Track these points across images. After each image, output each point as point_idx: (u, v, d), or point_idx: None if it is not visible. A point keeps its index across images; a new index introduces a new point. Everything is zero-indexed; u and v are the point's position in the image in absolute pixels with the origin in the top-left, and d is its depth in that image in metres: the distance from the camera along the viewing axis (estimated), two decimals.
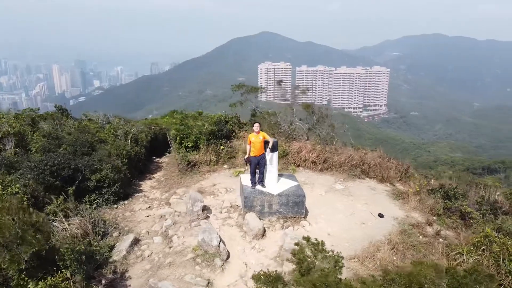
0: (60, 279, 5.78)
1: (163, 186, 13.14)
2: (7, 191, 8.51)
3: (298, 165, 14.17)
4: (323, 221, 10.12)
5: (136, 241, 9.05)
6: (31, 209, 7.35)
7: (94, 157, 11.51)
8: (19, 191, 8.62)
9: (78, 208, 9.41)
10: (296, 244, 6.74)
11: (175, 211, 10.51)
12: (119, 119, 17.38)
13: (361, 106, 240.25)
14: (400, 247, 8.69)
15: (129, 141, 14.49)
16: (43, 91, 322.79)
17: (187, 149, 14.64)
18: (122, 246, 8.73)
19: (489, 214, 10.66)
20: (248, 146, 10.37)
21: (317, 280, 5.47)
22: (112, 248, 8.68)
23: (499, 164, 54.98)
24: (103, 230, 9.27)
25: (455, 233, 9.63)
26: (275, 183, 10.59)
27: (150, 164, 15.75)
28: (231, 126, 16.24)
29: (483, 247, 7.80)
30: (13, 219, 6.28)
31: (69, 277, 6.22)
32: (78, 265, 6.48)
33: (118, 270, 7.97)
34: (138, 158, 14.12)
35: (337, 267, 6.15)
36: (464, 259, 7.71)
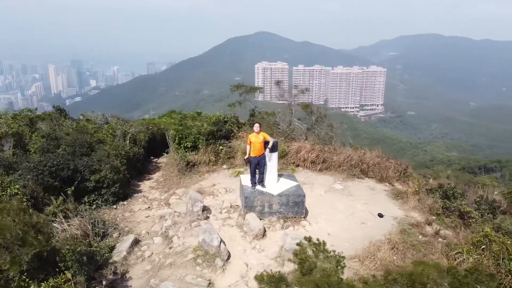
0: (62, 280, 5.76)
1: (162, 186, 13.11)
2: (7, 192, 8.47)
3: (297, 165, 14.19)
4: (323, 221, 10.14)
5: (136, 242, 9.03)
6: (31, 210, 7.34)
7: (93, 157, 11.47)
8: (19, 192, 8.58)
9: (77, 209, 9.36)
10: (298, 244, 6.75)
11: (175, 212, 10.50)
12: (118, 119, 17.33)
13: (358, 105, 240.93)
14: (400, 246, 8.71)
15: (128, 141, 14.45)
16: (39, 91, 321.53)
17: (186, 149, 14.62)
18: (122, 246, 8.70)
19: (488, 214, 10.74)
20: (248, 146, 10.37)
21: (320, 280, 5.48)
22: (112, 248, 8.65)
23: (495, 163, 55.25)
24: (103, 230, 9.24)
25: (454, 233, 9.66)
26: (275, 183, 10.60)
27: (148, 164, 15.71)
28: (230, 126, 16.24)
29: (482, 247, 7.84)
30: (14, 221, 6.25)
31: (70, 278, 6.20)
32: (80, 266, 6.47)
33: (118, 270, 7.95)
34: (137, 158, 14.08)
35: (338, 267, 6.17)
36: (464, 259, 7.74)
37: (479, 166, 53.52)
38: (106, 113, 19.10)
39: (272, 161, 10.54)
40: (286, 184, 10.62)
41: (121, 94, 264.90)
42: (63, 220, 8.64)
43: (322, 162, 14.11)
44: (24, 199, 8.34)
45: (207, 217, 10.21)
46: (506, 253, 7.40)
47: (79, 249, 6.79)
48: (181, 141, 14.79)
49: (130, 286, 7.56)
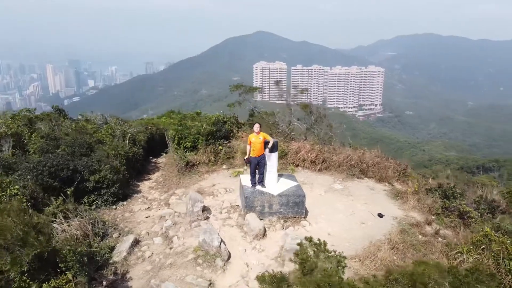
0: (63, 281, 5.75)
1: (162, 186, 13.10)
2: (6, 192, 8.45)
3: (297, 165, 14.20)
4: (323, 221, 10.15)
5: (136, 242, 9.01)
6: (31, 211, 7.33)
7: (93, 157, 11.45)
8: (19, 193, 8.55)
9: (77, 209, 9.33)
10: (299, 244, 6.75)
11: (175, 212, 10.49)
12: (117, 119, 17.29)
13: (356, 105, 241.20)
14: (400, 246, 8.73)
15: (127, 141, 14.43)
16: (37, 91, 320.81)
17: (186, 150, 14.61)
18: (123, 247, 8.68)
19: (487, 213, 10.78)
20: (248, 147, 10.37)
21: (321, 280, 5.49)
22: (112, 249, 8.63)
23: (493, 162, 55.44)
24: (103, 231, 9.21)
25: (454, 232, 9.68)
26: (275, 183, 10.61)
27: (147, 164, 15.69)
28: (229, 126, 16.23)
29: (482, 246, 7.86)
30: (14, 221, 6.24)
31: (71, 279, 6.19)
32: (80, 267, 6.46)
33: (119, 271, 7.93)
34: (136, 158, 14.06)
35: (339, 267, 6.18)
36: (464, 258, 7.76)
37: (477, 166, 53.68)
38: (105, 113, 19.06)
39: (272, 161, 10.55)
40: (286, 184, 10.63)
41: (119, 94, 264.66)
42: (63, 221, 8.62)
43: (321, 162, 14.12)
44: (24, 200, 8.32)
45: (207, 217, 10.21)
46: (506, 252, 7.42)
47: (79, 249, 6.78)
48: (181, 141, 14.78)
49: (131, 286, 7.55)
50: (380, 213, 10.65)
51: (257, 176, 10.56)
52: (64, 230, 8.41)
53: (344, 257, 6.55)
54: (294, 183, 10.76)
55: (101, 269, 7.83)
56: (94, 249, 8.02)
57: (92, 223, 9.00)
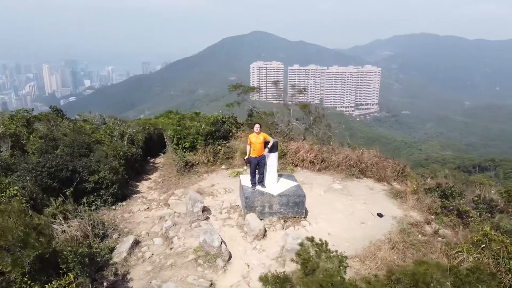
0: (66, 282, 5.73)
1: (161, 187, 13.07)
2: (6, 193, 8.41)
3: (296, 165, 14.21)
4: (323, 221, 10.17)
5: (136, 243, 8.98)
6: (30, 212, 7.29)
7: (92, 158, 11.42)
8: (18, 194, 8.51)
9: (76, 210, 9.31)
10: (300, 244, 6.76)
11: (175, 212, 10.47)
12: (115, 119, 17.25)
13: (353, 105, 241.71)
14: (400, 246, 8.76)
15: (126, 142, 14.40)
16: (33, 91, 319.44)
17: (185, 150, 14.59)
18: (123, 247, 8.66)
19: (486, 213, 10.82)
20: (248, 147, 10.37)
21: (323, 280, 5.49)
22: (112, 249, 8.60)
23: (489, 162, 55.72)
24: (103, 231, 9.18)
25: (453, 232, 9.72)
26: (275, 184, 10.61)
27: (146, 164, 15.67)
28: (228, 127, 16.22)
29: (482, 246, 7.90)
30: (15, 222, 6.21)
31: (73, 280, 6.17)
32: (82, 268, 6.44)
33: (119, 272, 7.91)
34: (135, 158, 14.04)
35: (341, 267, 6.19)
36: (464, 258, 7.80)
37: (474, 165, 53.88)
38: (102, 113, 19.03)
39: (271, 161, 10.55)
40: (286, 184, 10.64)
41: (116, 94, 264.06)
42: (63, 221, 8.59)
43: (320, 162, 14.14)
44: (24, 201, 8.28)
45: (207, 218, 10.20)
46: (505, 252, 7.46)
47: (81, 250, 6.75)
48: (180, 142, 14.75)
49: (131, 287, 7.53)
50: (379, 213, 10.68)
51: (257, 176, 10.56)
52: (64, 231, 8.38)
53: (346, 257, 6.56)
54: (294, 183, 10.77)
55: (101, 270, 7.80)
56: (94, 250, 7.99)
57: (91, 224, 8.97)
